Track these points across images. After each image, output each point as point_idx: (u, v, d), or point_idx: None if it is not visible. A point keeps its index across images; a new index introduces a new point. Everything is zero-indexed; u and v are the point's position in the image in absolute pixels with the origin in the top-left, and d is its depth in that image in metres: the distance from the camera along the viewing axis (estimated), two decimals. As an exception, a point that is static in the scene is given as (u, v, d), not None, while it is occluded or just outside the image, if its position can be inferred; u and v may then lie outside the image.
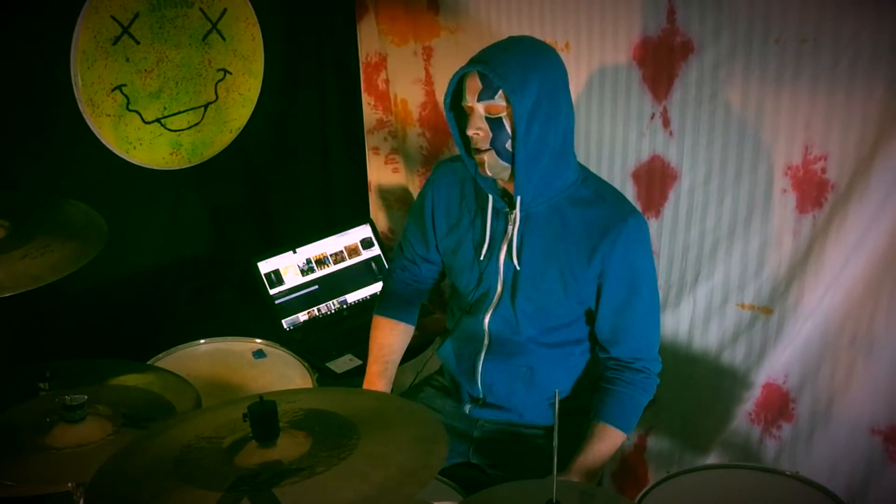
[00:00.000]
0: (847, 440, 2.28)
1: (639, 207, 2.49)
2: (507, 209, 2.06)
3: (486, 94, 1.90)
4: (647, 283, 2.07)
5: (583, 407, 2.10)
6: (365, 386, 2.24)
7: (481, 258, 2.11)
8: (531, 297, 2.07)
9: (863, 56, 2.01)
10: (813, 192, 2.19)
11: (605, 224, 1.99)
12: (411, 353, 2.43)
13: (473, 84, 1.92)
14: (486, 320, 2.13)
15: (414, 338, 2.38)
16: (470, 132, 1.96)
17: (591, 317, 2.11)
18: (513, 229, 2.05)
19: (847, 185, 2.12)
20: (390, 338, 2.31)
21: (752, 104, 2.22)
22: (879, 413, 2.21)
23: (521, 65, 1.89)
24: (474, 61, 1.92)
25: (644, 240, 2.05)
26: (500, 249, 2.08)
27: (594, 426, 2.04)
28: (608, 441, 2.03)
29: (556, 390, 1.60)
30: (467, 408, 2.25)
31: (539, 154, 1.94)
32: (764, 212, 2.29)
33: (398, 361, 2.32)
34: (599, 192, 2.05)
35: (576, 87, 2.53)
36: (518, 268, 2.06)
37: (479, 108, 1.93)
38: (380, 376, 2.24)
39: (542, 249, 2.04)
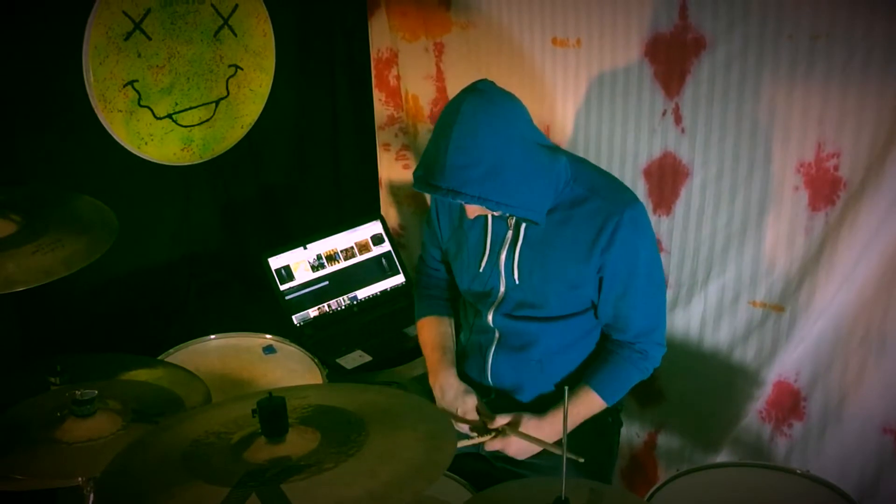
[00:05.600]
0: (858, 438, 2.27)
1: (650, 204, 2.49)
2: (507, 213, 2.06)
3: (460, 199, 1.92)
4: (648, 269, 2.07)
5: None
6: (431, 378, 2.23)
7: (483, 260, 2.12)
8: (533, 297, 2.09)
9: (876, 52, 2.00)
10: (825, 189, 2.18)
11: (601, 220, 1.99)
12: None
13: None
14: (491, 318, 2.15)
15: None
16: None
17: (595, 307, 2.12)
18: (512, 232, 2.06)
19: (860, 183, 2.10)
20: (439, 328, 2.32)
21: (764, 101, 2.21)
22: (891, 411, 2.20)
23: (482, 174, 1.86)
24: (433, 185, 1.89)
25: (642, 228, 2.04)
26: (500, 251, 2.09)
27: (579, 388, 2.08)
28: (587, 406, 2.08)
29: (566, 388, 1.60)
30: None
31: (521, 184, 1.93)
32: (776, 209, 2.28)
33: (454, 347, 2.30)
34: (593, 186, 2.04)
35: (587, 83, 2.53)
36: (518, 269, 2.07)
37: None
38: (440, 362, 2.24)
39: (542, 249, 2.05)
